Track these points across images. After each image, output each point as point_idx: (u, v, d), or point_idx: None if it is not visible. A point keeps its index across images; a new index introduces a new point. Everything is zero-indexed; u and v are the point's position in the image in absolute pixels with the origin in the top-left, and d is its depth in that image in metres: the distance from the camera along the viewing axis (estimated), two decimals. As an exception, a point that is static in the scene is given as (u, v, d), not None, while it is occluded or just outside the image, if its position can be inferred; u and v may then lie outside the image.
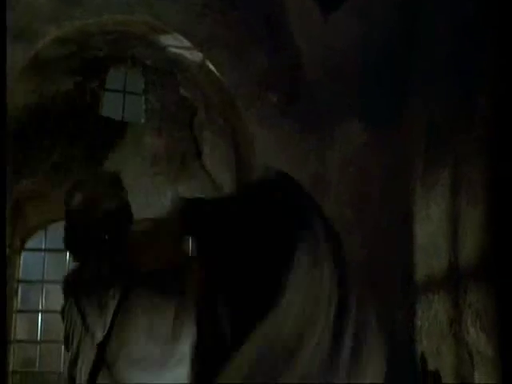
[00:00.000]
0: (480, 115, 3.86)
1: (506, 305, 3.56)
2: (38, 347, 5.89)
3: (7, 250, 5.33)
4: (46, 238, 6.06)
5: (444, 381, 4.40)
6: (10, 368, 5.63)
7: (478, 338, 3.86)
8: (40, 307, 5.98)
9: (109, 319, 2.33)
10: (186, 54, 5.77)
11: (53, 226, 6.12)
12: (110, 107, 6.37)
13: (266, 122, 5.79)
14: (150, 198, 5.96)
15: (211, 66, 5.60)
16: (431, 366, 4.65)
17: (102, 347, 2.31)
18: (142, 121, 6.38)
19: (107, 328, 2.33)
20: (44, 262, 6.01)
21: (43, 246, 6.07)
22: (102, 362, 2.30)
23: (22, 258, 5.93)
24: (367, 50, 5.28)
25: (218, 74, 5.61)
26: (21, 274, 5.96)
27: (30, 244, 6.06)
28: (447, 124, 4.42)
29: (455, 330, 4.22)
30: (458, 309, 4.15)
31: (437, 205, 4.63)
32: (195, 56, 5.70)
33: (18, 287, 5.88)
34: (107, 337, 2.32)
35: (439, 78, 4.58)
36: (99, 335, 2.34)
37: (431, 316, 4.69)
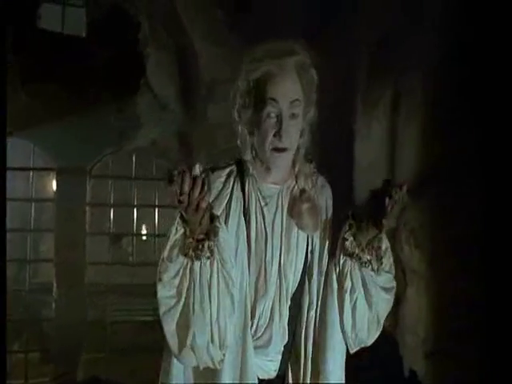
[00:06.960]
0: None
1: (440, 222, 3.55)
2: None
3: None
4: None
5: (379, 297, 4.42)
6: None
7: (411, 255, 3.86)
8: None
9: None
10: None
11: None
12: (49, 19, 6.10)
13: (212, 37, 5.60)
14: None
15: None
16: (367, 284, 4.67)
17: None
18: (84, 34, 6.10)
19: None
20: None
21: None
22: None
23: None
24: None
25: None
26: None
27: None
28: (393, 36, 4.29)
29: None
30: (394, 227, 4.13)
31: (378, 123, 4.55)
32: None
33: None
34: None
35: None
36: None
37: (368, 235, 4.68)
